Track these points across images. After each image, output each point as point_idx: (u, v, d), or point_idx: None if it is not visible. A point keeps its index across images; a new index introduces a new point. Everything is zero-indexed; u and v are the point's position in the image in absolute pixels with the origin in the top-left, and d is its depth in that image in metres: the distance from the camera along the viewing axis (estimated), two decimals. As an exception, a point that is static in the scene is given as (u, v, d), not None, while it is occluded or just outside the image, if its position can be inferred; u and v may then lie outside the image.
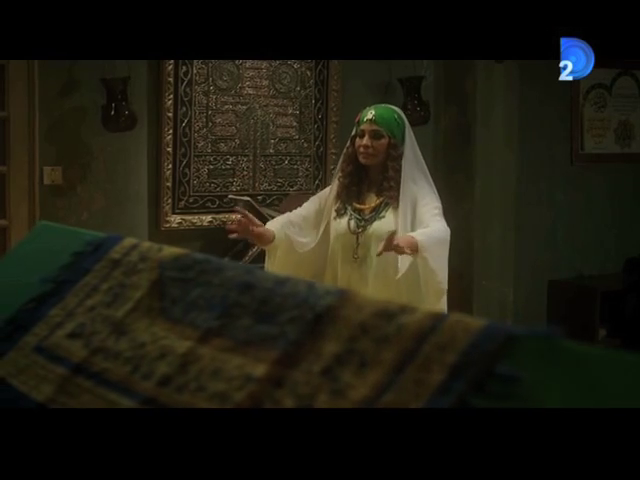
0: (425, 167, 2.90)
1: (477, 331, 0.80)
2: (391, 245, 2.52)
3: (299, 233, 2.88)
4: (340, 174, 2.90)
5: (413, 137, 2.89)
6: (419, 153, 2.89)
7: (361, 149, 2.80)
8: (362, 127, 2.82)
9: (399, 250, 2.54)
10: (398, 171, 2.78)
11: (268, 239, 2.82)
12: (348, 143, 2.93)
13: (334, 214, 2.87)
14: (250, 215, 2.85)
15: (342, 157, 2.96)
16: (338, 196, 2.87)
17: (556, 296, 5.03)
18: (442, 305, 2.75)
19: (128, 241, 1.32)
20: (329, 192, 2.94)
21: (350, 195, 2.85)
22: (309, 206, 2.96)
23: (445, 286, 2.73)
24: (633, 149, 5.28)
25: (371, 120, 2.81)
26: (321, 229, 2.90)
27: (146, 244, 1.29)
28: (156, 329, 1.10)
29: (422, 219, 2.73)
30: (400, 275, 2.68)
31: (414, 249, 2.60)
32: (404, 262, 2.67)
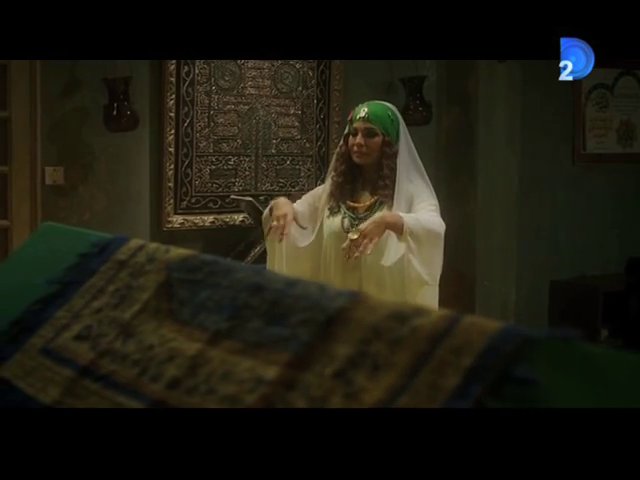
0: (421, 165, 2.85)
1: (493, 334, 0.79)
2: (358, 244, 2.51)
3: (296, 228, 2.84)
4: (333, 173, 2.85)
5: (408, 134, 2.84)
6: (414, 151, 2.84)
7: (355, 148, 2.75)
8: (355, 125, 2.77)
9: (364, 241, 2.52)
10: (393, 169, 2.74)
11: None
12: (341, 142, 2.88)
13: (327, 212, 2.82)
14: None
15: (335, 156, 2.91)
16: (331, 194, 2.82)
17: (558, 296, 5.02)
18: (427, 298, 2.67)
19: (134, 242, 1.31)
20: (322, 191, 2.90)
21: (344, 193, 2.81)
22: (302, 203, 2.91)
23: (429, 279, 2.65)
24: (635, 149, 5.27)
25: (364, 118, 2.75)
26: (317, 226, 2.85)
27: (153, 245, 1.28)
28: (164, 331, 1.09)
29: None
30: (390, 263, 2.64)
31: (399, 228, 2.56)
32: (393, 250, 2.64)
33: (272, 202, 2.86)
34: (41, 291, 1.34)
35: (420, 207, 2.71)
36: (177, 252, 1.22)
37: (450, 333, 0.81)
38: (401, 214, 2.63)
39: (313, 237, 2.85)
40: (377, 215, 2.66)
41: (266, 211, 2.87)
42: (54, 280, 1.35)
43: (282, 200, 2.84)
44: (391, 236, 2.64)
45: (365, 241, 2.55)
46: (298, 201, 2.94)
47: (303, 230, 2.84)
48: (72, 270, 1.35)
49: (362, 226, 2.63)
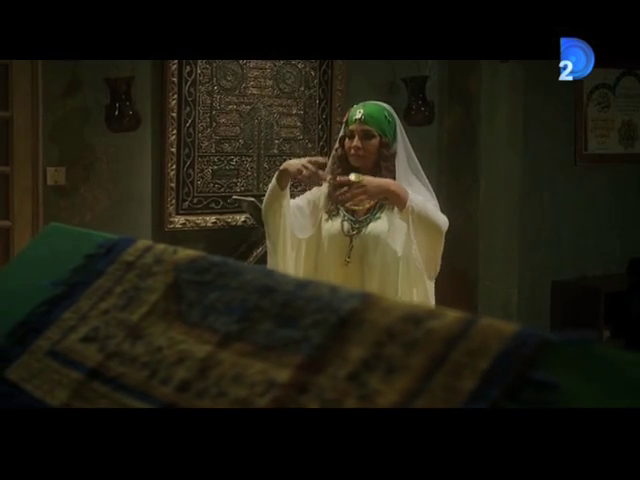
0: (419, 165, 2.80)
1: (509, 336, 0.78)
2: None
3: (296, 220, 2.78)
4: (330, 176, 2.79)
5: (405, 134, 2.79)
6: (412, 151, 2.80)
7: (352, 151, 2.70)
8: (351, 127, 2.72)
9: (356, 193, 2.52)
10: (392, 171, 2.70)
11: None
12: (337, 144, 2.83)
13: (325, 216, 2.78)
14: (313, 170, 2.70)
15: (331, 159, 2.85)
16: (329, 197, 2.77)
17: (559, 297, 5.02)
18: (424, 294, 2.64)
19: (142, 243, 1.30)
20: (319, 193, 2.84)
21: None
22: (301, 199, 2.87)
23: (424, 270, 2.62)
24: (637, 149, 5.27)
25: (360, 120, 2.69)
26: (316, 222, 2.81)
27: (160, 246, 1.27)
28: (173, 333, 1.08)
29: None
30: (400, 253, 2.62)
31: (402, 201, 2.53)
32: (399, 241, 2.61)
33: (282, 166, 2.76)
34: (47, 292, 1.32)
35: None
36: (185, 253, 1.21)
37: (466, 335, 0.80)
38: (409, 191, 2.60)
39: (312, 232, 2.81)
40: (385, 180, 2.63)
41: (273, 181, 2.75)
42: (60, 281, 1.33)
43: (292, 160, 2.79)
44: (400, 224, 2.61)
45: (358, 192, 2.53)
46: (296, 199, 2.90)
47: (301, 223, 2.80)
48: (78, 271, 1.34)
49: (368, 179, 2.60)
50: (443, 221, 2.66)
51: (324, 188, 2.84)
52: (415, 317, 0.86)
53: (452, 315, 0.84)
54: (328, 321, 0.92)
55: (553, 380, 0.73)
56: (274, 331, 0.96)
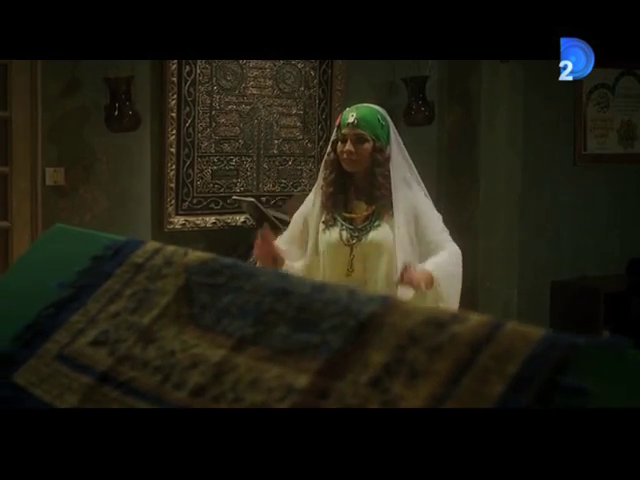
0: (414, 168, 2.74)
1: (537, 340, 0.76)
2: (407, 278, 2.45)
3: (291, 259, 2.74)
4: (323, 183, 2.73)
5: (399, 137, 2.73)
6: (406, 154, 2.73)
7: (344, 155, 2.63)
8: (343, 131, 2.65)
9: (414, 284, 2.47)
10: (387, 177, 2.64)
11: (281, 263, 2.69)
12: (329, 149, 2.75)
13: (322, 226, 2.70)
14: (270, 240, 2.69)
15: (323, 164, 2.78)
16: (324, 206, 2.70)
17: (559, 297, 5.01)
18: None
19: (151, 245, 1.28)
20: (312, 204, 2.77)
21: (337, 204, 2.69)
22: (293, 228, 2.81)
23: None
24: (636, 149, 5.26)
25: (353, 124, 2.63)
26: (309, 243, 2.73)
27: (170, 248, 1.25)
28: (186, 337, 1.06)
29: (429, 240, 2.63)
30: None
31: (429, 283, 2.52)
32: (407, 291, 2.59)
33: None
34: (54, 295, 1.30)
35: (429, 225, 2.64)
36: (196, 255, 1.19)
37: (492, 340, 0.79)
38: (426, 267, 2.57)
39: (309, 252, 2.73)
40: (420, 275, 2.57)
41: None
42: (67, 283, 1.31)
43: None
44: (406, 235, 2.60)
45: (411, 277, 2.50)
46: (288, 228, 2.84)
47: (297, 258, 2.75)
48: (85, 273, 1.32)
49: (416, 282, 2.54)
50: (458, 257, 2.65)
51: (318, 197, 2.76)
52: (438, 321, 0.84)
53: (476, 319, 0.82)
54: (347, 325, 0.90)
55: (582, 385, 0.71)
56: (291, 335, 0.94)
